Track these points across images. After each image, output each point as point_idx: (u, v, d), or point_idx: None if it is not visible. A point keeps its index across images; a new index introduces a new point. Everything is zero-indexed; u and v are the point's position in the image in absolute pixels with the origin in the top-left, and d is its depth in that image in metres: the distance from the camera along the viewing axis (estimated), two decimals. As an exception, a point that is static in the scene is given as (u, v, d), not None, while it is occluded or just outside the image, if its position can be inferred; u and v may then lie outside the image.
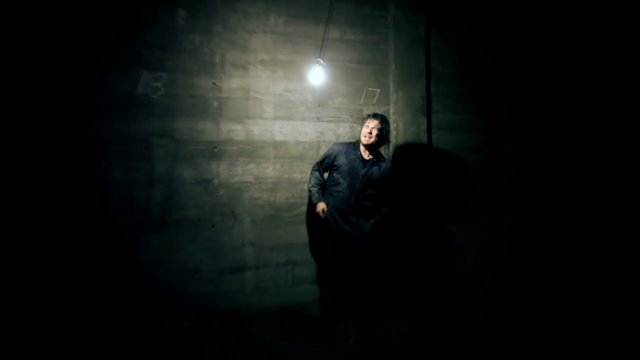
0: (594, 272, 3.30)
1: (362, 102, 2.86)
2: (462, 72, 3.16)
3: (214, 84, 2.51)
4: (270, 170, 2.63)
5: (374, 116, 2.30)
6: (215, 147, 2.51)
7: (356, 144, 2.38)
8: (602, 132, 3.46)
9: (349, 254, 2.33)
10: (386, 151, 2.77)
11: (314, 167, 2.48)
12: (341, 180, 2.31)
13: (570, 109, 3.49)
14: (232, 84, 2.55)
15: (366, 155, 2.33)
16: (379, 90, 2.89)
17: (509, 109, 3.32)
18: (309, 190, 2.44)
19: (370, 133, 2.26)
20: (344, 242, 2.30)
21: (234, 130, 2.55)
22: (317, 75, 2.54)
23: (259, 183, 2.61)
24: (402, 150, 2.90)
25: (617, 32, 3.42)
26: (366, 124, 2.29)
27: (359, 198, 2.29)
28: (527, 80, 3.38)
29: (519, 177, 3.36)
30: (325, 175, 2.47)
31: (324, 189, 2.42)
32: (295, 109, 2.69)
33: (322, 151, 2.71)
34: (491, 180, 3.26)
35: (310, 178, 2.46)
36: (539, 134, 3.41)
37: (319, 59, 2.51)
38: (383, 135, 2.30)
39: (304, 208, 2.70)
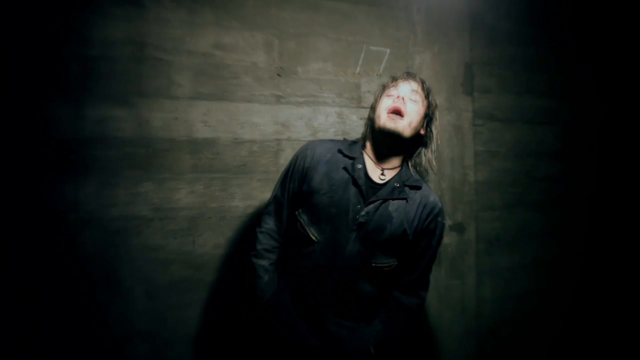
0: None
1: (359, 69, 1.61)
2: (526, 27, 1.92)
3: (74, 31, 1.32)
4: (184, 195, 1.40)
5: (409, 75, 1.10)
6: (73, 151, 1.31)
7: (357, 145, 1.11)
8: None
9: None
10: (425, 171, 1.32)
11: (269, 202, 1.17)
12: (313, 233, 1.02)
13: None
14: (112, 32, 1.36)
15: (379, 169, 1.06)
16: (388, 50, 1.65)
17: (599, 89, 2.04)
18: (252, 263, 1.12)
19: (402, 102, 1.02)
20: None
21: (113, 119, 1.34)
22: None
23: (162, 219, 1.38)
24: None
25: None
26: (392, 86, 1.08)
27: (349, 276, 1.00)
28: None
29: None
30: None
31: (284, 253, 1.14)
32: (234, 80, 1.47)
33: (285, 157, 1.47)
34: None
35: (257, 232, 1.14)
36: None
37: None
38: (430, 116, 1.09)
39: (250, 265, 1.44)
